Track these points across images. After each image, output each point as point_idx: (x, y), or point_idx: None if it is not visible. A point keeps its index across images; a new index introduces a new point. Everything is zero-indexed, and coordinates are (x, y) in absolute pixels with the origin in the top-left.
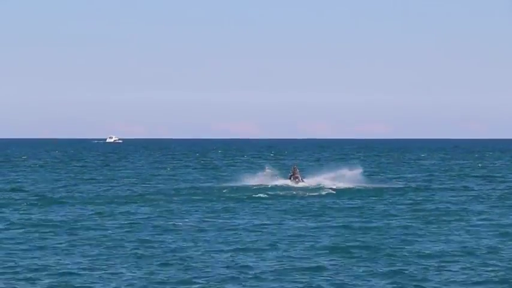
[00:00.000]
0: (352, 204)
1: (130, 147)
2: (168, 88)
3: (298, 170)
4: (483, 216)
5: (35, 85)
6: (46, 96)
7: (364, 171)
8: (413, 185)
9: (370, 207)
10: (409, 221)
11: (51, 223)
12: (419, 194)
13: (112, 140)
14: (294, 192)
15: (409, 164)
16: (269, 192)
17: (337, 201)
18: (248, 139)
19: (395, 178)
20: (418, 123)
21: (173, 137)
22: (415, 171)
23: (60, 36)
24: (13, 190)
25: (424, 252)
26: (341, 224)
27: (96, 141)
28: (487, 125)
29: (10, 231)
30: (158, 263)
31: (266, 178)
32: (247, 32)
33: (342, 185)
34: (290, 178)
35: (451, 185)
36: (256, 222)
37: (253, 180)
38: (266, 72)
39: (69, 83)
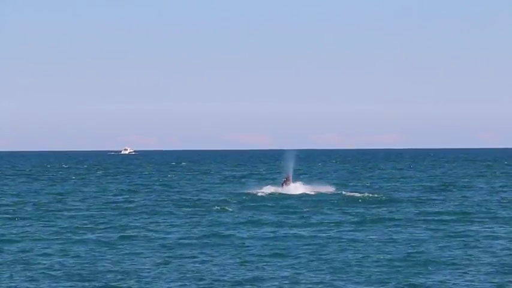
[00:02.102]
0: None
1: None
2: (179, 100)
3: (290, 177)
4: None
5: (43, 98)
6: (56, 109)
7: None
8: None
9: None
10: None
11: None
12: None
13: (127, 152)
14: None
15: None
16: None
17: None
18: (258, 150)
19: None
20: (430, 133)
21: (184, 148)
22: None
23: (71, 49)
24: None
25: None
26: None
27: (113, 153)
28: (499, 134)
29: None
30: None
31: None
32: (259, 42)
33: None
34: (283, 183)
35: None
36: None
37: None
38: (276, 83)
39: (77, 96)
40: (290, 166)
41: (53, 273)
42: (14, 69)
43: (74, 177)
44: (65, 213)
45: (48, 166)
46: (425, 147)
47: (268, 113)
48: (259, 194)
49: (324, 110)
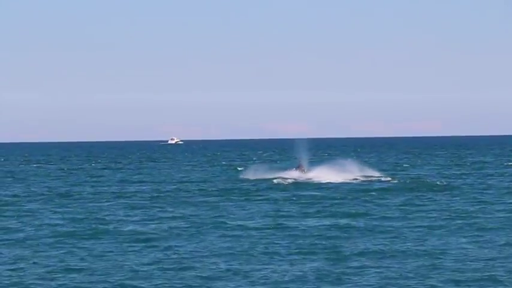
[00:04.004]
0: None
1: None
2: (220, 89)
3: (304, 164)
4: None
5: (81, 89)
6: (103, 99)
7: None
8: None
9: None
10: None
11: None
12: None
13: (174, 142)
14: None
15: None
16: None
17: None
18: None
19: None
20: (473, 120)
21: (227, 138)
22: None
23: (109, 39)
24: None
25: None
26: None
27: (161, 143)
28: None
29: None
30: None
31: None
32: (300, 30)
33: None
34: (297, 170)
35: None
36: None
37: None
38: (318, 71)
39: (115, 86)
40: (302, 155)
41: None
42: (48, 60)
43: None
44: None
45: (130, 156)
46: (465, 134)
47: (310, 103)
48: (277, 181)
49: (365, 99)
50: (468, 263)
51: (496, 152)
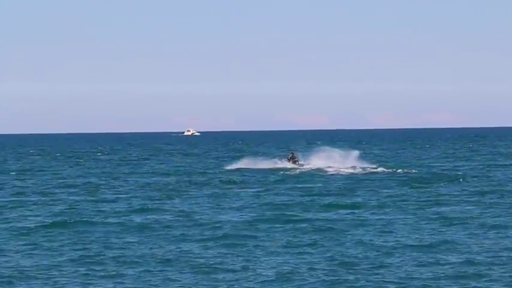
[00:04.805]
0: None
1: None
2: (231, 80)
3: (296, 154)
4: None
5: (95, 80)
6: (121, 92)
7: None
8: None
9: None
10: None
11: None
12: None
13: (190, 133)
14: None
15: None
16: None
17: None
18: (315, 130)
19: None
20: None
21: (240, 129)
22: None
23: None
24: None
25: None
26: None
27: (174, 135)
28: None
29: None
30: None
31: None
32: (314, 24)
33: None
34: (288, 161)
35: None
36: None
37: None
38: (332, 63)
39: (127, 77)
40: (296, 147)
41: None
42: (62, 51)
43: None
44: None
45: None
46: (481, 126)
47: (324, 94)
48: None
49: (378, 90)
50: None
51: (508, 143)
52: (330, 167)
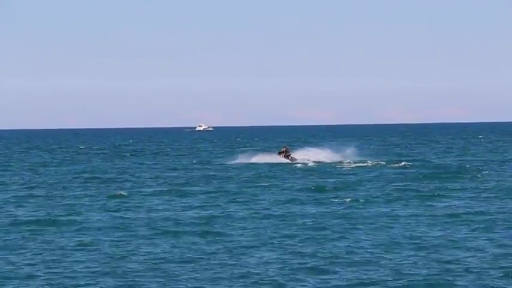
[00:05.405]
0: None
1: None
2: (242, 76)
3: (288, 148)
4: None
5: (107, 75)
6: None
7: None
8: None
9: None
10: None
11: None
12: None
13: (202, 128)
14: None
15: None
16: None
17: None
18: (326, 125)
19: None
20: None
21: (251, 125)
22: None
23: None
24: None
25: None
26: None
27: (189, 130)
28: None
29: None
30: None
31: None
32: (320, 18)
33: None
34: (280, 154)
35: None
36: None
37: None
38: (342, 58)
39: (139, 72)
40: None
41: None
42: (72, 47)
43: None
44: None
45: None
46: (490, 120)
47: (333, 90)
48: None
49: (387, 86)
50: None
51: None
52: (320, 161)
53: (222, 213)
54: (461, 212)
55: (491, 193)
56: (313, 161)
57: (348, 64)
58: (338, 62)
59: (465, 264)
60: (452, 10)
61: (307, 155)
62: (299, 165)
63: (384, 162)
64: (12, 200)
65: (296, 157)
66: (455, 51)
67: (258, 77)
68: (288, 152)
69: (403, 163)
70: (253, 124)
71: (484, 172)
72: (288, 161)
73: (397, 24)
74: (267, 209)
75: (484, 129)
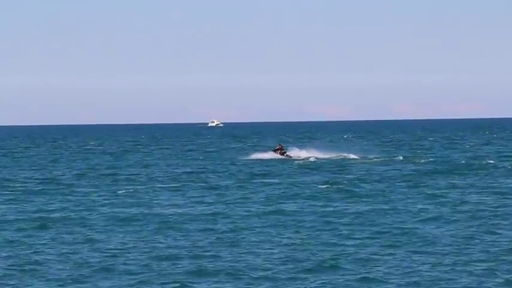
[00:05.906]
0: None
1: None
2: (261, 71)
3: (283, 145)
4: None
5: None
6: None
7: None
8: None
9: None
10: None
11: None
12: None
13: (214, 124)
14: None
15: None
16: None
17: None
18: (341, 121)
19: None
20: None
21: (267, 120)
22: None
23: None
24: None
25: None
26: None
27: (201, 126)
28: None
29: None
30: None
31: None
32: (336, 14)
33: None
34: (275, 152)
35: None
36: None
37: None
38: (357, 54)
39: (152, 68)
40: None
41: None
42: (87, 43)
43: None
44: None
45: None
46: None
47: (350, 86)
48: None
49: (401, 81)
50: None
51: None
52: (316, 158)
53: (226, 209)
54: (469, 208)
55: (500, 189)
56: (316, 157)
57: (364, 59)
58: (354, 57)
59: (471, 263)
60: (471, 3)
61: (300, 153)
62: (301, 161)
63: (387, 158)
64: (21, 197)
65: (291, 154)
66: (474, 44)
67: (270, 72)
68: (283, 149)
69: (419, 159)
70: (267, 120)
71: (495, 168)
72: (283, 157)
73: (415, 20)
74: (270, 205)
75: (499, 125)
